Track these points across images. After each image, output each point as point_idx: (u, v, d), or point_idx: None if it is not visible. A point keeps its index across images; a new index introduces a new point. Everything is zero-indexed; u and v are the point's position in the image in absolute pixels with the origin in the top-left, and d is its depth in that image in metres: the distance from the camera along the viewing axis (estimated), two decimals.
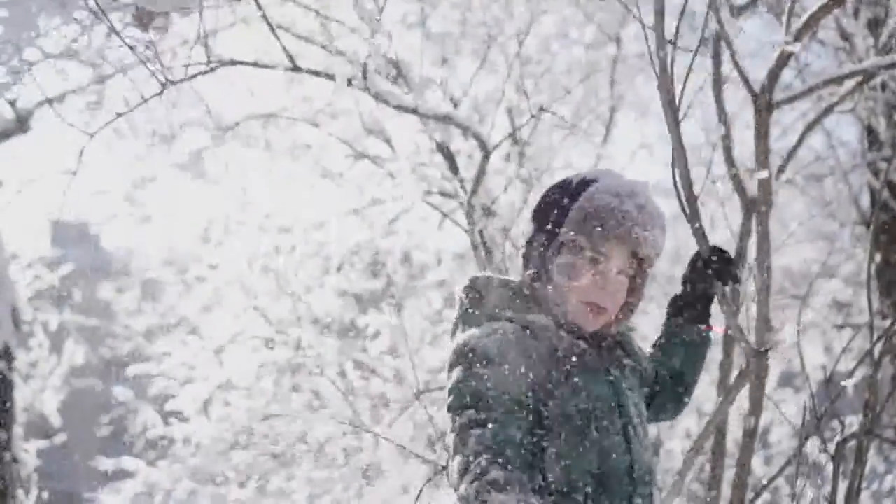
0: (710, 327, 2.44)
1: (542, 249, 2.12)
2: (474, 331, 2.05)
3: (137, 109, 5.44)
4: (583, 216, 2.08)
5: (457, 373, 2.00)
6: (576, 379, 2.04)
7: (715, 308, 2.46)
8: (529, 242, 2.16)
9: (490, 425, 1.93)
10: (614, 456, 2.03)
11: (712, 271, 2.37)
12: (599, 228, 2.06)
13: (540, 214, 2.16)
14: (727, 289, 2.43)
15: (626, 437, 2.07)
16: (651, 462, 2.13)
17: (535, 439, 1.98)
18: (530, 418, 1.98)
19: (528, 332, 2.06)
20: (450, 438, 1.98)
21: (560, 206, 2.12)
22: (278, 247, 6.76)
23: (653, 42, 2.42)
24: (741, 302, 2.62)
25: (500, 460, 1.90)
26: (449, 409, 2.00)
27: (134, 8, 3.81)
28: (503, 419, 1.94)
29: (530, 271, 2.14)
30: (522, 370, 2.00)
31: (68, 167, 3.75)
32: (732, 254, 2.44)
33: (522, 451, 1.95)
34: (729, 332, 2.54)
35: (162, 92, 3.41)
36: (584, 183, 2.13)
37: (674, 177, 2.41)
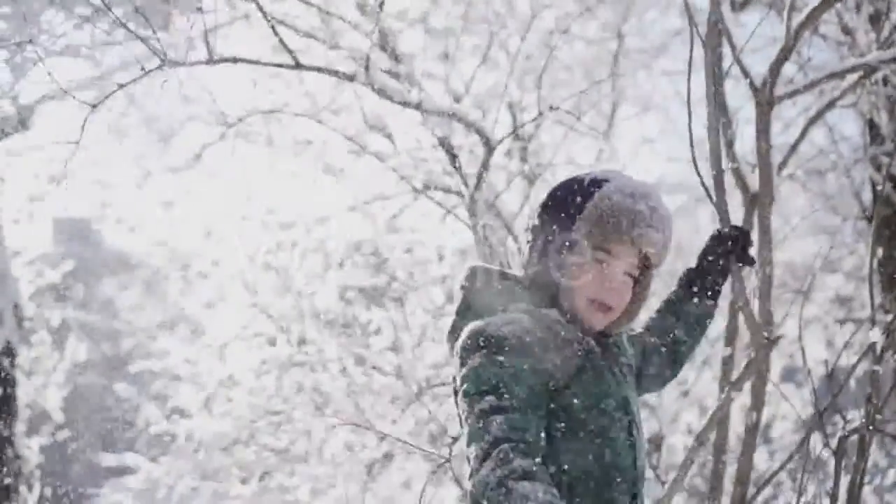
0: (715, 304, 2.47)
1: (551, 246, 2.13)
2: (489, 319, 2.05)
3: (140, 108, 5.45)
4: (597, 215, 2.08)
5: (475, 359, 1.99)
6: (587, 375, 2.05)
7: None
8: (536, 238, 2.17)
9: (511, 412, 1.92)
10: (622, 452, 2.05)
11: (730, 249, 2.41)
12: (613, 229, 2.07)
13: (550, 211, 2.16)
14: (742, 269, 2.46)
15: (631, 433, 2.09)
16: (645, 459, 2.15)
17: (547, 433, 1.99)
18: (545, 410, 1.99)
19: (542, 324, 2.07)
20: (465, 424, 1.96)
21: (572, 204, 2.12)
22: (280, 243, 6.76)
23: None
24: (759, 284, 2.63)
25: (523, 448, 1.89)
26: (465, 395, 1.98)
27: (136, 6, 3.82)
28: (523, 407, 1.93)
29: (538, 267, 2.15)
30: (539, 361, 2.00)
31: (74, 141, 3.72)
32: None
33: (540, 442, 1.95)
34: (738, 309, 2.55)
35: (161, 66, 3.40)
36: (597, 182, 2.13)
37: (693, 155, 2.44)
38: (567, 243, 2.10)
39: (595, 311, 2.10)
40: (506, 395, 1.94)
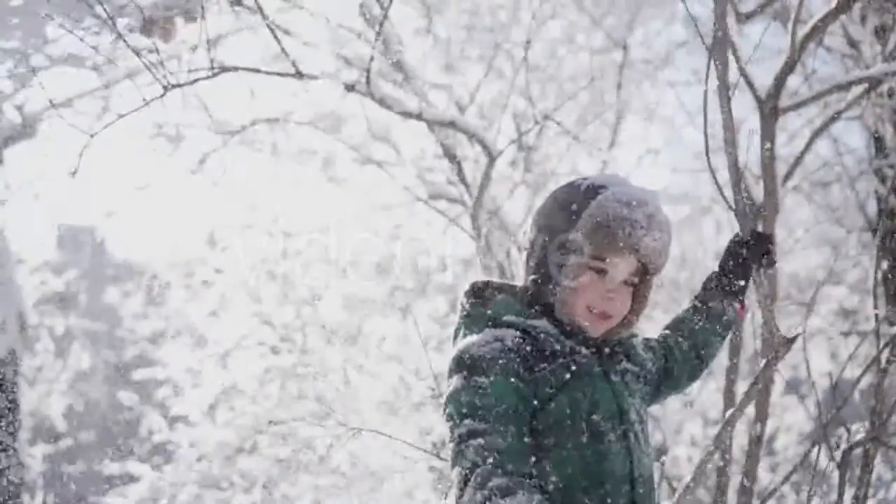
0: (740, 309, 2.47)
1: (548, 254, 2.12)
2: (473, 338, 2.05)
3: (147, 116, 5.46)
4: (593, 224, 2.07)
5: (455, 381, 2.01)
6: (576, 385, 2.04)
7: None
8: (533, 247, 2.16)
9: (489, 435, 1.93)
10: (615, 462, 2.04)
11: (750, 252, 2.41)
12: (609, 237, 2.06)
13: (546, 219, 2.15)
14: (762, 271, 2.46)
15: (626, 442, 2.07)
16: (652, 468, 2.13)
17: (535, 446, 1.99)
18: (529, 426, 1.99)
19: (528, 337, 2.06)
20: (449, 448, 1.98)
21: (568, 211, 2.11)
22: (284, 251, 6.76)
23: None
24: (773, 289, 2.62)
25: (501, 468, 1.90)
26: (447, 419, 2.00)
27: (141, 16, 3.83)
28: (502, 428, 1.94)
29: (534, 276, 2.14)
30: (521, 379, 2.00)
31: (71, 172, 3.76)
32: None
33: (522, 459, 1.95)
34: (752, 316, 2.55)
35: (164, 95, 3.42)
36: (593, 189, 2.12)
37: (707, 158, 2.44)
38: (564, 253, 2.09)
39: (593, 318, 2.09)
40: (483, 418, 1.94)
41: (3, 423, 7.35)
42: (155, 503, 7.03)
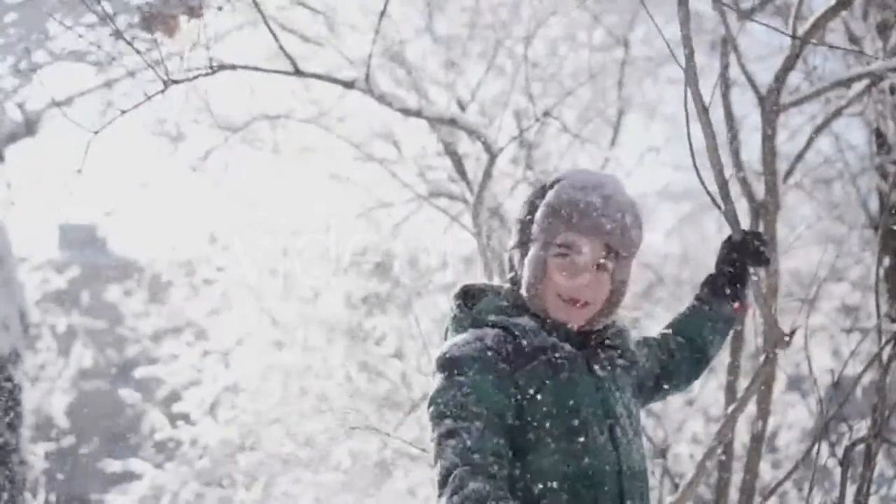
0: (738, 307, 2.48)
1: (517, 251, 2.16)
2: (456, 339, 2.07)
3: (147, 113, 5.46)
4: (548, 211, 2.10)
5: (437, 382, 2.02)
6: (559, 380, 2.05)
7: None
8: (512, 248, 2.21)
9: (468, 435, 1.93)
10: (600, 456, 2.03)
11: (743, 252, 2.42)
12: (566, 222, 2.08)
13: (518, 219, 2.20)
14: (757, 270, 2.47)
15: (612, 437, 2.06)
16: (643, 463, 2.13)
17: (518, 444, 1.99)
18: (511, 425, 1.99)
19: (509, 335, 2.07)
20: (430, 447, 1.99)
21: (532, 207, 2.16)
22: (285, 249, 6.76)
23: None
24: (767, 289, 2.62)
25: (479, 471, 1.89)
26: (430, 419, 2.01)
27: (141, 11, 3.83)
28: (481, 428, 1.94)
29: (511, 275, 2.18)
30: (502, 377, 2.00)
31: (76, 169, 3.77)
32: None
33: (502, 461, 1.94)
34: (753, 314, 2.57)
35: (164, 91, 3.43)
36: (553, 182, 2.16)
37: (694, 163, 2.44)
38: (525, 245, 2.12)
39: (567, 307, 2.10)
40: (463, 418, 1.95)
41: (5, 422, 7.36)
42: (157, 501, 7.03)
